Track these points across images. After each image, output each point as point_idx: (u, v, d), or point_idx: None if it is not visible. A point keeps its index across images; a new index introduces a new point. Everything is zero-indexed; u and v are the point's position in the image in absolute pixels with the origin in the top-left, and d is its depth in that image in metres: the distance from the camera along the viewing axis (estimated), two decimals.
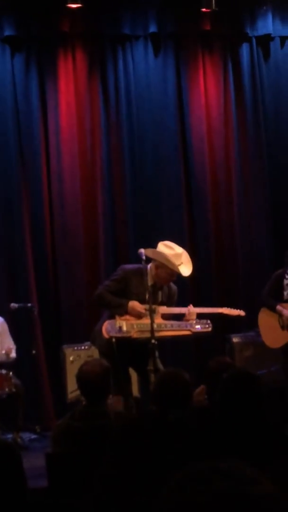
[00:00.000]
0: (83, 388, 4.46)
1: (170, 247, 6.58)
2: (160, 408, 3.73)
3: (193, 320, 6.59)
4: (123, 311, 6.45)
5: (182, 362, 7.58)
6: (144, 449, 3.36)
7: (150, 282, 6.46)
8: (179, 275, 6.58)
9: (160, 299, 6.62)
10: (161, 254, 6.52)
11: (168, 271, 6.52)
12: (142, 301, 6.44)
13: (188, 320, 6.57)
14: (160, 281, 6.58)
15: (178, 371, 3.96)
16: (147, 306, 6.37)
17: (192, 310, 6.61)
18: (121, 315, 6.46)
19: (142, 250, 6.48)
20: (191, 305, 6.70)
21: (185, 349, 8.55)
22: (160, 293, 6.64)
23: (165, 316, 6.60)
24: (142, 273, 6.44)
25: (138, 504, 2.99)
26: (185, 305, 6.85)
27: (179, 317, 6.69)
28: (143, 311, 6.38)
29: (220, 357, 5.43)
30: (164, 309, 6.59)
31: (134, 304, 6.42)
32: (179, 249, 6.58)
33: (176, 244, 6.67)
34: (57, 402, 8.25)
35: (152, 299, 6.44)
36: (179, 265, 6.49)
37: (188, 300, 8.05)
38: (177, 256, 6.51)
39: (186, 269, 6.56)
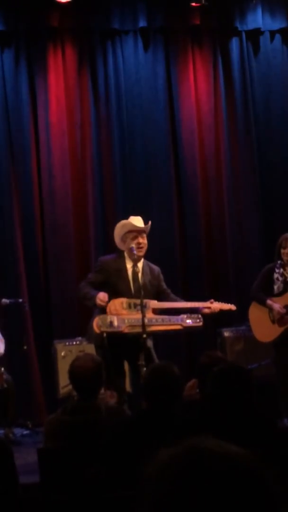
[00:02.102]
0: (76, 383, 4.45)
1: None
2: (150, 403, 3.73)
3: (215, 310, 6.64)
4: (92, 303, 6.42)
5: (174, 356, 7.59)
6: (134, 444, 3.36)
7: (129, 265, 6.51)
8: (139, 230, 6.57)
9: (141, 282, 6.56)
10: (116, 228, 6.70)
11: (130, 234, 6.55)
12: (128, 294, 6.47)
13: (209, 312, 6.62)
14: (133, 253, 6.55)
15: (168, 365, 3.95)
16: (132, 300, 6.39)
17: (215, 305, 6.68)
18: (94, 306, 6.44)
19: (132, 246, 6.53)
20: (212, 300, 6.74)
21: (177, 343, 8.57)
22: (141, 277, 6.60)
23: (156, 311, 6.60)
24: (120, 261, 6.51)
25: (127, 499, 3.00)
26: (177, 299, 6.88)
27: (170, 312, 6.68)
28: (105, 303, 6.32)
29: (211, 351, 5.43)
30: (155, 304, 6.59)
31: (100, 295, 6.37)
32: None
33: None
34: (49, 398, 8.25)
35: (135, 286, 6.48)
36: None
37: (179, 295, 8.07)
38: (131, 219, 6.68)
39: (136, 219, 6.67)
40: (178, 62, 9.19)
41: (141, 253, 6.58)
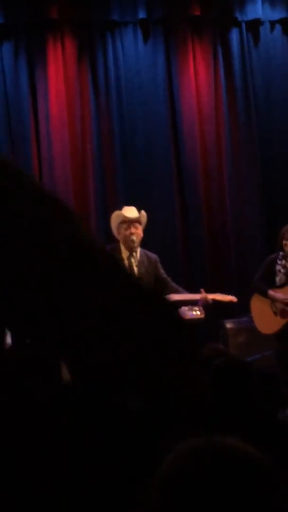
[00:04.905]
0: None
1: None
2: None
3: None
4: None
5: None
6: (135, 437, 3.37)
7: (125, 255, 6.55)
8: (131, 220, 6.65)
9: (136, 272, 6.58)
10: (111, 217, 6.83)
11: (123, 225, 6.64)
12: None
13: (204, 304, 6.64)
14: (129, 242, 6.59)
15: None
16: None
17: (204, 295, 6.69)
18: None
19: (132, 237, 6.57)
20: (202, 290, 6.75)
21: None
22: (137, 267, 6.61)
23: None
24: (115, 251, 6.55)
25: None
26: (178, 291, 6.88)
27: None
28: None
29: (213, 344, 5.45)
30: None
31: None
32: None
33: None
34: None
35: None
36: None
37: (181, 286, 8.06)
38: (123, 209, 6.78)
39: (127, 209, 6.76)
40: (178, 53, 9.16)
41: (135, 243, 6.59)
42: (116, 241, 6.79)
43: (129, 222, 6.63)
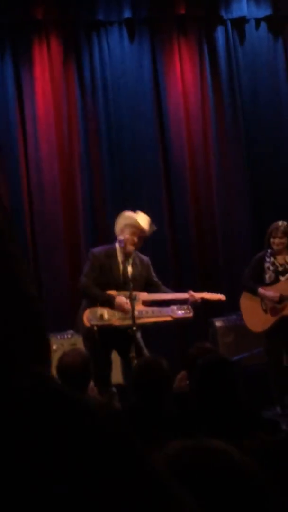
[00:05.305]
0: (63, 379, 4.46)
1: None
2: (139, 398, 3.73)
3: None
4: (110, 306, 6.44)
5: (166, 348, 7.59)
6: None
7: (120, 258, 6.51)
8: (142, 231, 6.57)
9: (130, 274, 6.56)
10: (121, 216, 6.67)
11: (132, 229, 6.54)
12: (117, 286, 6.47)
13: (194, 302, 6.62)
14: (127, 246, 6.56)
15: (156, 360, 3.96)
16: (127, 293, 6.38)
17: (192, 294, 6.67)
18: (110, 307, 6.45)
19: (121, 238, 6.54)
20: (190, 291, 6.74)
21: (169, 334, 8.56)
22: (129, 269, 6.59)
23: (146, 303, 6.60)
24: (111, 253, 6.50)
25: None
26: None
27: (159, 303, 6.69)
28: (129, 306, 6.35)
29: (200, 342, 5.46)
30: (145, 296, 6.59)
31: (121, 301, 6.40)
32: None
33: None
34: None
35: (124, 278, 6.47)
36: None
37: (170, 284, 8.07)
38: (139, 217, 6.63)
39: (143, 219, 6.62)
40: (164, 52, 9.16)
41: (130, 250, 6.57)
42: (111, 241, 6.76)
43: (140, 231, 6.58)
